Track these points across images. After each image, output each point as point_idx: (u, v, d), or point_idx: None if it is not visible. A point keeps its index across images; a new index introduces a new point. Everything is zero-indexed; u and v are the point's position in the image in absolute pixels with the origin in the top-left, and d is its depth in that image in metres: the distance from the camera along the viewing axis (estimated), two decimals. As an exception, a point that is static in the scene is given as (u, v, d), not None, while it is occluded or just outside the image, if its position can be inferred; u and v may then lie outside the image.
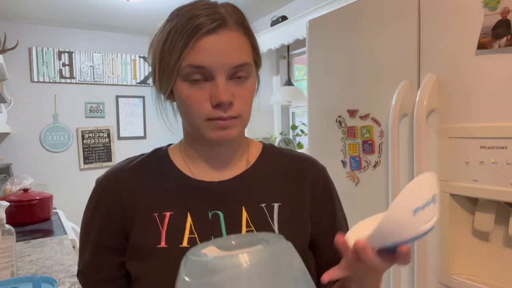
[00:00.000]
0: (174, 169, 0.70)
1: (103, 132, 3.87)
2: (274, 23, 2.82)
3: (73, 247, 1.69)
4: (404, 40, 1.24)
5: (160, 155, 0.73)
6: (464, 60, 1.07)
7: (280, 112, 3.34)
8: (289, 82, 2.91)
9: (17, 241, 1.42)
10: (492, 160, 1.01)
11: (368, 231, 0.50)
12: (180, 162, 0.71)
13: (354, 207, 1.25)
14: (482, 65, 1.03)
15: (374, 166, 1.37)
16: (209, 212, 0.65)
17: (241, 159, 0.72)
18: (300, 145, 3.02)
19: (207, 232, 0.64)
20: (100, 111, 3.85)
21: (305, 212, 0.70)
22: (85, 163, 3.78)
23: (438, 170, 1.14)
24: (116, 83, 3.92)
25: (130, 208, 0.66)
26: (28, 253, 1.60)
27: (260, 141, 0.78)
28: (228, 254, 0.42)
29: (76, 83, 3.72)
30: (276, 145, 0.80)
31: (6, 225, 1.20)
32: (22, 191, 2.20)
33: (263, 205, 0.67)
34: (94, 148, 3.82)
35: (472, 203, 1.12)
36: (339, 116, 1.50)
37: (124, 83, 3.96)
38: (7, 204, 1.23)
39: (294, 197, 0.70)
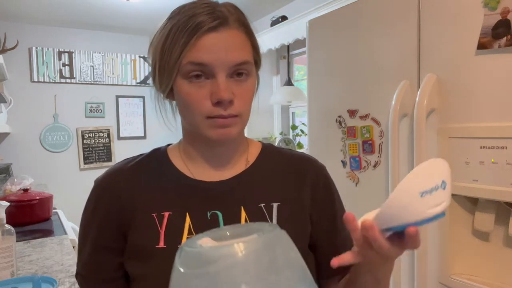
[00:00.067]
0: (173, 169, 0.70)
1: (103, 132, 3.87)
2: (274, 23, 2.82)
3: (73, 247, 1.69)
4: (404, 40, 1.24)
5: (159, 155, 0.73)
6: (464, 60, 1.07)
7: (280, 112, 3.34)
8: (289, 82, 2.91)
9: (17, 241, 1.42)
10: (492, 160, 1.01)
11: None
12: (179, 162, 0.71)
13: (354, 207, 1.25)
14: (482, 65, 1.03)
15: (374, 166, 1.37)
16: (208, 212, 0.65)
17: (241, 159, 0.72)
18: (300, 145, 3.02)
19: None
20: (100, 111, 3.85)
21: (305, 212, 0.70)
22: (85, 163, 3.78)
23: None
24: (116, 83, 3.92)
25: (129, 208, 0.66)
26: (28, 253, 1.60)
27: (259, 141, 0.78)
28: (223, 244, 0.41)
29: (76, 83, 3.72)
30: (276, 145, 0.80)
31: (6, 225, 1.20)
32: (22, 191, 2.20)
33: (262, 205, 0.67)
34: (94, 148, 3.82)
35: (472, 203, 1.12)
36: (339, 116, 1.50)
37: (124, 83, 3.97)
38: (7, 204, 1.23)
39: (294, 197, 0.70)
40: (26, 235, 1.88)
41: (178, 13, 0.62)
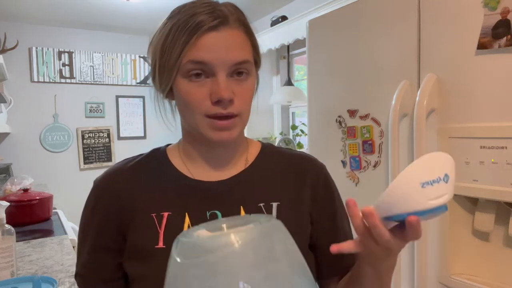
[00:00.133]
0: (172, 169, 0.70)
1: (103, 132, 3.87)
2: (274, 23, 2.82)
3: (73, 247, 1.69)
4: (404, 40, 1.24)
5: (158, 155, 0.72)
6: (464, 60, 1.07)
7: (280, 112, 3.34)
8: (289, 82, 2.91)
9: (17, 241, 1.42)
10: (492, 160, 1.01)
11: None
12: (178, 162, 0.71)
13: (354, 207, 1.25)
14: (482, 65, 1.03)
15: (374, 166, 1.37)
16: (207, 212, 0.65)
17: (240, 158, 0.72)
18: (300, 145, 3.02)
19: None
20: (100, 111, 3.85)
21: (305, 211, 0.70)
22: (85, 163, 3.78)
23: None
24: (116, 83, 3.92)
25: (128, 208, 0.66)
26: (28, 253, 1.60)
27: (259, 141, 0.78)
28: (220, 234, 0.42)
29: (76, 83, 3.72)
30: (276, 145, 0.80)
31: (6, 225, 1.20)
32: (22, 191, 2.20)
33: (261, 204, 0.67)
34: (94, 148, 3.82)
35: (472, 203, 1.12)
36: (339, 116, 1.50)
37: (124, 83, 3.97)
38: (7, 204, 1.23)
39: (294, 196, 0.70)
40: (26, 235, 1.88)
41: (178, 13, 0.62)
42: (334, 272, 0.71)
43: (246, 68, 0.62)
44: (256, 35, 0.67)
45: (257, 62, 0.68)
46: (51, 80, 3.61)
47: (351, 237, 0.55)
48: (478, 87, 1.04)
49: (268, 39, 2.80)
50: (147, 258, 0.63)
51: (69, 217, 2.41)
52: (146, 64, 4.03)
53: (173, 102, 0.70)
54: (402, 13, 1.24)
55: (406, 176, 0.48)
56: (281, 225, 0.45)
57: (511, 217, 1.01)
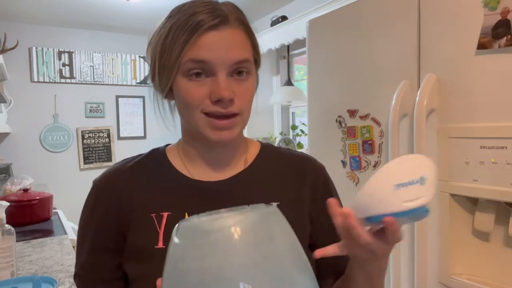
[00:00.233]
0: (172, 169, 0.70)
1: (103, 132, 3.87)
2: (274, 23, 2.82)
3: (73, 247, 1.69)
4: (404, 40, 1.24)
5: (157, 155, 0.72)
6: (464, 60, 1.07)
7: (280, 112, 3.34)
8: (289, 82, 2.91)
9: (17, 241, 1.42)
10: (492, 160, 1.01)
11: None
12: (177, 162, 0.71)
13: (354, 207, 1.25)
14: (482, 65, 1.03)
15: (374, 166, 1.37)
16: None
17: (240, 158, 0.72)
18: (300, 145, 3.02)
19: None
20: (100, 111, 3.85)
21: (304, 211, 0.70)
22: (85, 163, 3.78)
23: (438, 170, 1.13)
24: (116, 83, 3.92)
25: (128, 208, 0.66)
26: (28, 253, 1.60)
27: (258, 141, 0.78)
28: (220, 217, 0.43)
29: (76, 83, 3.72)
30: (276, 145, 0.80)
31: (6, 225, 1.20)
32: (22, 191, 2.20)
33: None
34: (94, 148, 3.82)
35: (472, 203, 1.12)
36: (339, 116, 1.50)
37: (124, 83, 3.97)
38: (7, 204, 1.23)
39: (293, 196, 0.70)
40: (26, 235, 1.88)
41: (178, 12, 0.62)
42: (331, 272, 0.71)
43: (246, 67, 0.62)
44: (256, 35, 0.67)
45: (257, 62, 0.67)
46: (51, 80, 3.61)
47: None
48: (478, 87, 1.04)
49: (268, 39, 2.80)
50: (147, 258, 0.63)
51: (69, 217, 2.41)
52: (146, 64, 4.02)
53: (173, 102, 0.70)
54: (402, 13, 1.24)
55: (380, 177, 0.48)
56: (279, 212, 0.46)
57: (511, 217, 1.01)
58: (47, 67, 3.58)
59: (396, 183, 0.47)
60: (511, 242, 1.05)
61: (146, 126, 4.10)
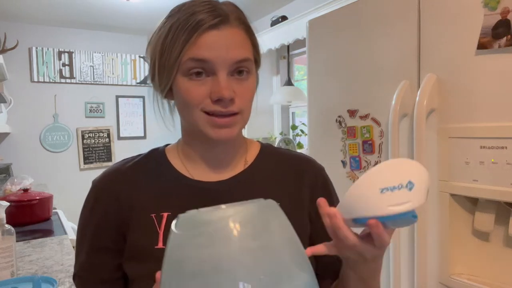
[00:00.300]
0: (172, 170, 0.69)
1: (103, 132, 3.87)
2: (274, 23, 2.82)
3: (73, 247, 1.69)
4: (404, 40, 1.24)
5: (157, 156, 0.72)
6: (464, 60, 1.07)
7: (280, 112, 3.34)
8: (289, 82, 2.91)
9: (17, 241, 1.42)
10: (492, 160, 1.01)
11: None
12: (177, 162, 0.70)
13: (354, 207, 1.25)
14: (482, 65, 1.03)
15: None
16: None
17: (240, 159, 0.72)
18: (300, 145, 3.02)
19: None
20: (100, 111, 3.85)
21: (304, 212, 0.70)
22: (85, 163, 3.78)
23: (438, 170, 1.14)
24: (116, 83, 3.92)
25: (127, 209, 0.66)
26: (28, 253, 1.60)
27: (258, 141, 0.78)
28: (219, 208, 0.43)
29: (76, 83, 3.72)
30: (276, 145, 0.80)
31: (6, 225, 1.20)
32: (22, 191, 2.20)
33: None
34: (94, 148, 3.82)
35: (472, 203, 1.12)
36: (339, 116, 1.50)
37: (124, 83, 3.97)
38: (7, 204, 1.23)
39: (293, 197, 0.70)
40: (26, 235, 1.88)
41: (178, 11, 0.62)
42: (330, 273, 0.71)
43: (247, 66, 0.62)
44: (256, 35, 0.67)
45: (257, 61, 0.67)
46: (51, 80, 3.61)
47: None
48: (478, 87, 1.04)
49: (268, 39, 2.80)
50: (147, 258, 0.63)
51: (69, 217, 2.41)
52: (146, 64, 4.01)
53: (172, 102, 0.70)
54: (402, 13, 1.24)
55: (367, 179, 0.47)
56: (276, 205, 0.47)
57: (511, 217, 1.01)
58: (47, 67, 3.58)
59: (382, 186, 0.46)
60: (511, 242, 1.05)
61: (146, 126, 4.10)
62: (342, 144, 1.49)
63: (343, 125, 1.48)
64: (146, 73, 4.06)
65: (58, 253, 1.59)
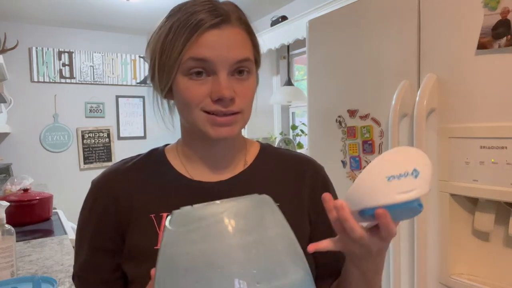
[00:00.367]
0: (171, 170, 0.69)
1: (103, 132, 3.87)
2: (274, 23, 2.82)
3: (73, 247, 1.69)
4: (404, 40, 1.24)
5: (156, 156, 0.72)
6: (464, 60, 1.07)
7: (280, 112, 3.34)
8: (289, 82, 2.91)
9: (17, 241, 1.42)
10: (492, 160, 1.01)
11: None
12: (177, 162, 0.70)
13: (354, 207, 1.25)
14: (482, 65, 1.03)
15: (374, 166, 1.36)
16: None
17: (239, 159, 0.72)
18: (300, 145, 3.02)
19: None
20: (100, 111, 3.85)
21: (303, 212, 0.70)
22: (85, 163, 3.78)
23: (438, 170, 1.14)
24: (116, 83, 3.92)
25: (127, 209, 0.66)
26: (28, 253, 1.60)
27: (257, 141, 0.78)
28: (213, 203, 0.43)
29: (76, 83, 3.72)
30: (276, 145, 0.80)
31: (6, 225, 1.20)
32: (22, 191, 2.20)
33: None
34: (94, 148, 3.82)
35: (472, 203, 1.12)
36: (339, 116, 1.50)
37: (124, 83, 3.97)
38: (7, 204, 1.23)
39: (292, 197, 0.70)
40: (26, 235, 1.88)
41: (178, 11, 0.62)
42: (330, 273, 0.71)
43: (247, 66, 0.62)
44: (256, 35, 0.67)
45: (257, 61, 0.67)
46: (51, 80, 3.61)
47: None
48: (478, 87, 1.04)
49: (268, 39, 2.80)
50: (146, 259, 0.62)
51: (69, 217, 2.41)
52: (146, 64, 4.01)
53: (172, 102, 0.69)
54: (402, 13, 1.24)
55: (372, 169, 0.47)
56: (271, 200, 0.47)
57: (511, 217, 1.01)
58: (47, 67, 3.58)
59: (388, 174, 0.46)
60: (511, 242, 1.05)
61: (146, 126, 4.10)
62: (342, 144, 1.49)
63: (343, 125, 1.48)
64: (146, 73, 4.06)
65: (58, 253, 1.59)
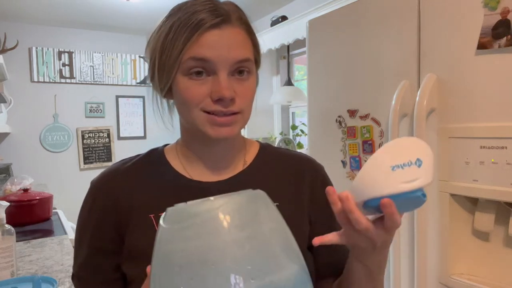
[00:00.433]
0: (170, 170, 0.69)
1: (103, 132, 3.87)
2: (274, 23, 2.82)
3: (73, 247, 1.69)
4: (404, 40, 1.24)
5: (156, 156, 0.72)
6: (464, 60, 1.07)
7: (280, 112, 3.34)
8: (289, 82, 2.91)
9: (17, 241, 1.42)
10: (492, 160, 1.01)
11: None
12: (176, 162, 0.70)
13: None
14: (482, 65, 1.03)
15: (374, 166, 1.36)
16: None
17: (239, 159, 0.71)
18: (300, 145, 3.03)
19: None
20: (100, 111, 3.85)
21: (303, 212, 0.70)
22: (85, 163, 3.78)
23: (438, 170, 1.14)
24: (116, 83, 3.92)
25: (126, 209, 0.66)
26: (28, 253, 1.60)
27: (257, 141, 0.78)
28: (207, 199, 0.43)
29: (76, 83, 3.73)
30: (276, 145, 0.80)
31: (6, 225, 1.20)
32: (22, 191, 2.20)
33: None
34: (94, 148, 3.82)
35: (472, 203, 1.12)
36: (339, 116, 1.50)
37: (124, 83, 3.97)
38: (7, 204, 1.23)
39: (292, 197, 0.70)
40: (26, 235, 1.88)
41: (178, 10, 0.62)
42: (331, 272, 0.71)
43: (248, 66, 0.62)
44: (256, 34, 0.67)
45: (257, 61, 0.67)
46: (51, 80, 3.61)
47: None
48: (478, 87, 1.04)
49: (268, 39, 2.80)
50: (146, 259, 0.62)
51: (69, 217, 2.41)
52: (146, 64, 4.02)
53: (171, 101, 0.69)
54: (402, 13, 1.24)
55: (376, 159, 0.47)
56: (265, 195, 0.47)
57: (511, 217, 1.01)
58: (47, 67, 3.58)
59: (392, 164, 0.46)
60: (511, 242, 1.05)
61: (146, 126, 4.10)
62: (342, 144, 1.49)
63: (343, 125, 1.48)
64: (146, 73, 4.06)
65: (58, 253, 1.59)
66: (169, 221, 0.43)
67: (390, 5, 1.28)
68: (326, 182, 0.75)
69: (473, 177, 1.05)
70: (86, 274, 0.68)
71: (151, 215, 0.65)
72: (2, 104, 2.96)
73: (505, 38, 0.98)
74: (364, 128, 1.39)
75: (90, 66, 3.78)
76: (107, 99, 3.88)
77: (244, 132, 2.72)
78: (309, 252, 0.70)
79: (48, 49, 3.58)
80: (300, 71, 3.32)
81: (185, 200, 0.65)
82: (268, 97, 3.04)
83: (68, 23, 3.55)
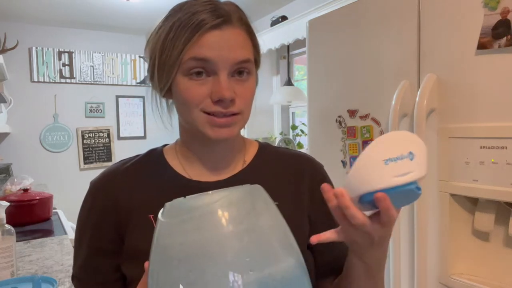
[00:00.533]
0: (170, 170, 0.69)
1: (103, 132, 3.87)
2: (274, 23, 2.82)
3: (73, 247, 1.69)
4: (404, 40, 1.24)
5: (155, 156, 0.72)
6: (464, 60, 1.07)
7: (280, 112, 3.34)
8: (289, 82, 2.91)
9: (17, 241, 1.42)
10: (492, 160, 1.01)
11: None
12: (175, 162, 0.70)
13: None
14: (482, 65, 1.03)
15: (374, 166, 1.36)
16: None
17: (238, 159, 0.71)
18: (300, 145, 3.03)
19: None
20: (100, 111, 3.85)
21: (303, 211, 0.70)
22: (85, 163, 3.78)
23: (438, 170, 1.14)
24: (116, 83, 3.92)
25: (125, 210, 0.66)
26: (28, 253, 1.60)
27: (256, 140, 0.78)
28: (205, 194, 0.44)
29: (76, 83, 3.72)
30: (276, 145, 0.80)
31: (6, 225, 1.20)
32: (22, 191, 2.20)
33: None
34: (94, 148, 3.82)
35: (472, 203, 1.12)
36: (339, 116, 1.50)
37: (124, 83, 3.97)
38: (7, 204, 1.23)
39: (292, 196, 0.70)
40: (26, 235, 1.88)
41: (179, 10, 0.62)
42: (331, 270, 0.71)
43: (248, 67, 0.62)
44: (256, 35, 0.67)
45: (257, 62, 0.67)
46: (51, 80, 3.61)
47: None
48: (478, 87, 1.04)
49: (268, 39, 2.80)
50: (145, 259, 0.62)
51: (69, 217, 2.41)
52: (146, 64, 4.01)
53: (170, 101, 0.69)
54: (402, 13, 1.24)
55: (368, 154, 0.47)
56: (262, 189, 0.48)
57: (511, 217, 1.01)
58: (47, 67, 3.58)
59: (385, 158, 0.46)
60: (511, 242, 1.05)
61: (146, 126, 4.10)
62: (342, 144, 1.49)
63: (343, 125, 1.48)
64: (146, 73, 4.06)
65: (58, 253, 1.59)
66: (167, 215, 0.43)
67: (390, 5, 1.28)
68: (326, 180, 0.75)
69: (473, 177, 1.05)
70: (86, 275, 0.68)
71: (151, 215, 0.64)
72: (2, 104, 2.96)
73: (505, 38, 0.98)
74: (364, 128, 1.39)
75: (90, 66, 3.78)
76: (107, 99, 3.88)
77: (244, 132, 2.72)
78: (309, 251, 0.70)
79: (48, 49, 3.58)
80: (300, 71, 3.32)
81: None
82: (268, 97, 3.04)
83: (68, 23, 3.55)
